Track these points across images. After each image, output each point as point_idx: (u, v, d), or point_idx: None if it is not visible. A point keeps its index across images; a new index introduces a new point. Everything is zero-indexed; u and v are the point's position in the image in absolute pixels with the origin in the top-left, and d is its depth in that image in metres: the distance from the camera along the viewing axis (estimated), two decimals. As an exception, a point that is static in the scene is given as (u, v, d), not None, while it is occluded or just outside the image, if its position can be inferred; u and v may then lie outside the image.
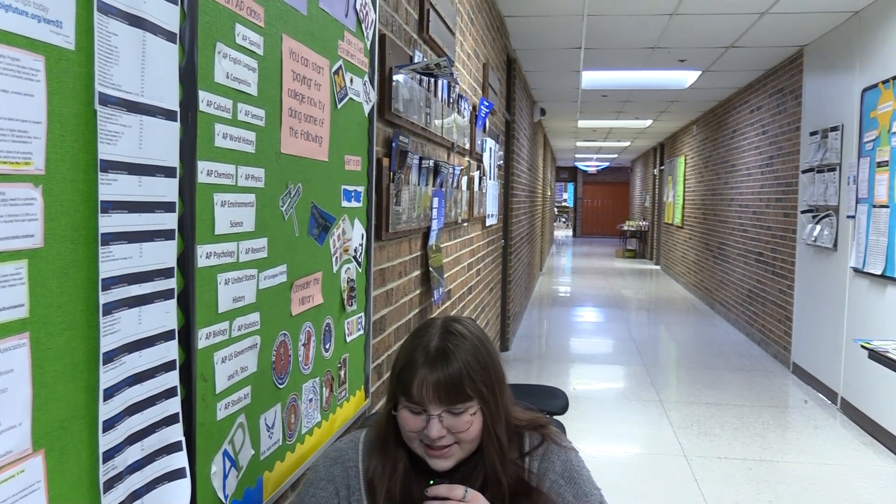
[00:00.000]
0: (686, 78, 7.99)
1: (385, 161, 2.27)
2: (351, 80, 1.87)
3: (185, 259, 1.12)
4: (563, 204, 28.92)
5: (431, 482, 1.27)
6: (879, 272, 4.64)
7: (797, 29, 5.81)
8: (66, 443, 0.87)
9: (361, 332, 2.06)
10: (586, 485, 1.33)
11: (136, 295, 0.99)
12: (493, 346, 1.34)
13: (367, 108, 2.03)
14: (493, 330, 6.13)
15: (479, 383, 1.26)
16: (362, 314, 2.06)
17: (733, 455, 4.34)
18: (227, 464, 1.29)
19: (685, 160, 12.67)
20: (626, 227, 19.79)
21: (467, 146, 3.92)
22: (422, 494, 1.29)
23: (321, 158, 1.68)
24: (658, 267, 15.96)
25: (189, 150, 1.12)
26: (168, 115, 1.04)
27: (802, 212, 6.23)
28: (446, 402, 1.23)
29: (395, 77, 2.30)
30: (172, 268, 1.07)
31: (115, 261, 0.94)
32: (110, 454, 0.94)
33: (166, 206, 1.05)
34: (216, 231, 1.22)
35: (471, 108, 4.05)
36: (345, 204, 1.87)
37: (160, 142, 1.02)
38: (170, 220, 1.06)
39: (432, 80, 2.86)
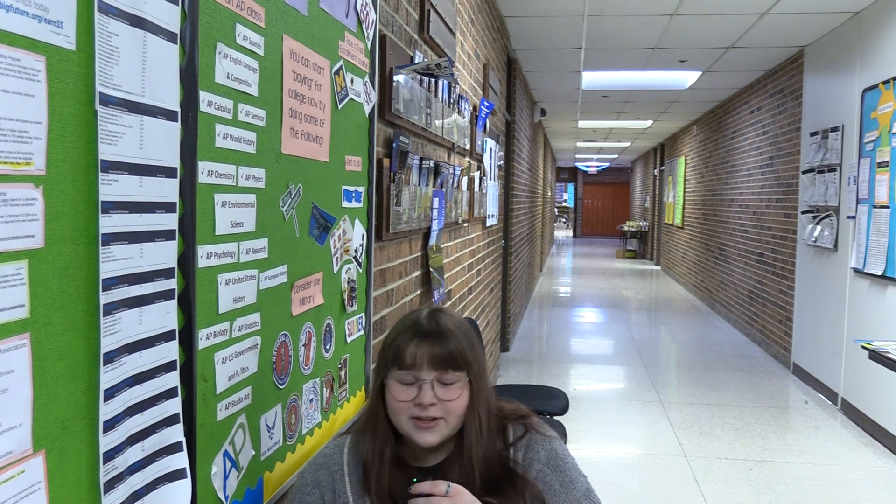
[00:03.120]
0: (686, 78, 7.99)
1: (385, 161, 2.27)
2: (351, 81, 1.87)
3: (186, 259, 1.12)
4: (564, 204, 28.92)
5: (415, 480, 1.28)
6: (880, 273, 4.64)
7: (797, 29, 5.81)
8: (66, 443, 0.87)
9: (362, 332, 2.06)
10: (572, 472, 1.34)
11: (136, 295, 0.98)
12: (475, 334, 1.40)
13: (367, 109, 2.03)
14: (494, 330, 6.12)
15: (468, 357, 1.31)
16: (363, 315, 2.06)
17: (734, 456, 4.34)
18: (228, 464, 1.29)
19: (685, 161, 12.67)
20: (626, 228, 19.79)
21: (468, 147, 3.92)
22: (403, 490, 1.29)
23: (322, 159, 1.68)
24: (658, 267, 15.96)
25: (190, 150, 1.12)
26: (169, 115, 1.04)
27: (803, 212, 6.23)
28: (439, 368, 1.28)
29: (395, 77, 2.30)
30: (173, 268, 1.07)
31: (115, 261, 0.94)
32: (111, 455, 0.94)
33: (167, 207, 1.05)
34: (217, 231, 1.21)
35: (471, 108, 4.05)
36: (345, 204, 1.87)
37: (161, 142, 1.02)
38: (170, 221, 1.06)
39: (433, 80, 2.86)
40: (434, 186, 2.99)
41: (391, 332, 1.36)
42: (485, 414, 1.32)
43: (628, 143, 16.47)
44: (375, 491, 1.31)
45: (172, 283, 1.07)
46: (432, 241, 3.04)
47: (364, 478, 1.33)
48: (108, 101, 0.91)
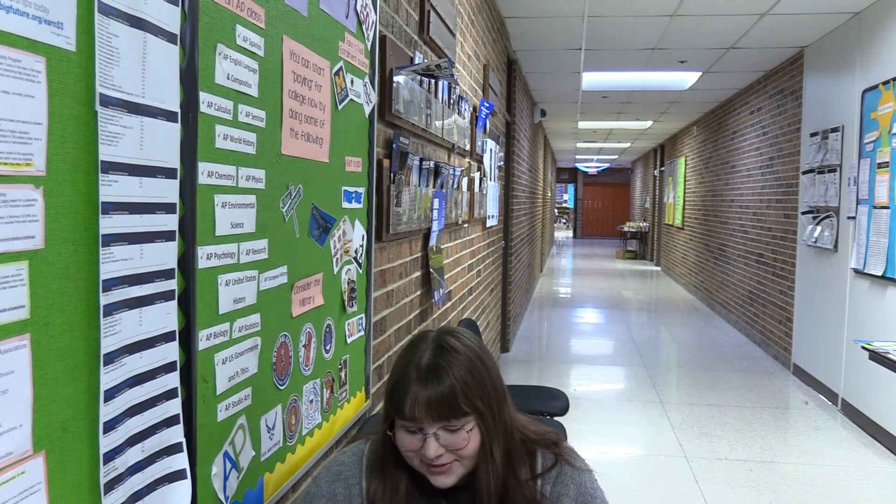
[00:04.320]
0: (686, 79, 7.99)
1: (385, 162, 2.27)
2: (351, 82, 1.87)
3: (186, 260, 1.12)
4: (564, 205, 28.92)
5: None
6: (880, 273, 4.64)
7: (798, 30, 5.81)
8: (66, 444, 0.87)
9: (362, 333, 2.06)
10: None
11: (136, 296, 0.99)
12: (490, 359, 1.30)
13: (367, 110, 2.03)
14: (494, 331, 6.12)
15: (474, 398, 1.21)
16: (363, 315, 2.06)
17: (734, 456, 4.34)
18: (228, 465, 1.29)
19: (685, 161, 12.67)
20: (626, 229, 19.79)
21: (468, 147, 3.92)
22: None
23: (322, 160, 1.68)
24: (658, 268, 15.96)
25: (190, 151, 1.12)
26: (169, 116, 1.04)
27: (803, 213, 6.23)
28: (441, 419, 1.20)
29: (395, 78, 2.30)
30: (173, 269, 1.07)
31: (115, 262, 0.94)
32: (111, 455, 0.94)
33: (167, 208, 1.05)
34: (217, 232, 1.21)
35: (471, 109, 4.05)
36: (345, 205, 1.87)
37: (161, 143, 1.02)
38: (170, 222, 1.06)
39: (433, 81, 2.86)
40: (434, 187, 2.99)
41: (397, 364, 1.27)
42: (500, 450, 1.25)
43: (628, 144, 16.47)
44: None
45: (172, 284, 1.07)
46: (432, 242, 3.04)
47: None
48: (108, 101, 0.91)
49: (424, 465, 1.23)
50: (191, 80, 1.11)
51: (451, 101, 3.32)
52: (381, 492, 1.27)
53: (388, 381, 1.28)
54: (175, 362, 1.08)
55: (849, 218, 5.22)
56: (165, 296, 1.05)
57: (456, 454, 1.22)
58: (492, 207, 5.37)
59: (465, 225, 4.13)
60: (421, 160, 2.71)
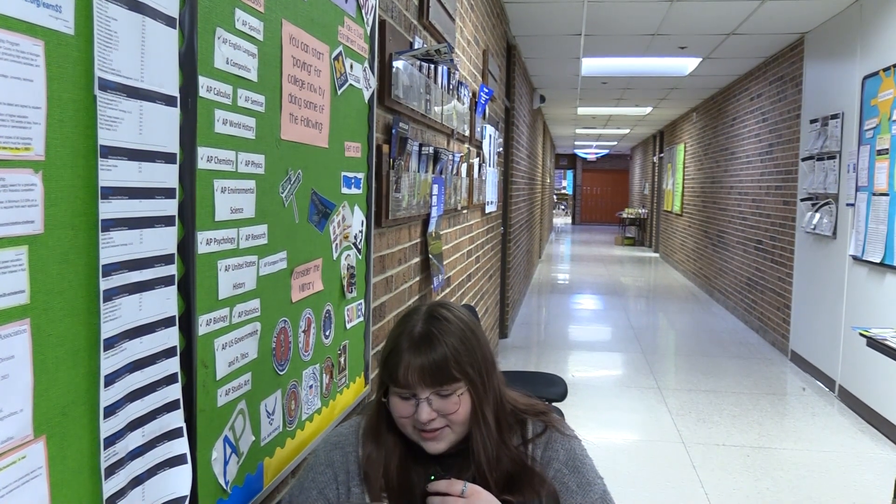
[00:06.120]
0: (686, 65, 7.96)
1: (385, 148, 2.26)
2: (351, 66, 1.87)
3: (186, 245, 1.12)
4: (563, 191, 28.90)
5: (433, 477, 1.27)
6: (878, 260, 4.64)
7: (798, 16, 5.78)
8: (67, 429, 0.87)
9: (361, 318, 2.06)
10: (590, 474, 1.33)
11: (136, 281, 0.98)
12: (480, 329, 1.35)
13: (367, 95, 2.02)
14: (492, 317, 6.13)
15: (464, 365, 1.27)
16: (362, 301, 2.06)
17: (731, 442, 4.36)
18: (228, 450, 1.29)
19: (685, 148, 12.65)
20: (625, 215, 19.79)
21: (467, 133, 3.91)
22: (420, 481, 1.29)
23: (321, 145, 1.68)
24: (657, 255, 15.97)
25: (189, 135, 1.12)
26: (168, 100, 1.03)
27: (802, 200, 6.23)
28: (433, 385, 1.25)
29: (395, 63, 2.29)
30: (173, 254, 1.07)
31: (115, 247, 0.93)
32: (111, 440, 0.94)
33: (166, 193, 1.04)
34: (216, 217, 1.21)
35: (470, 94, 4.03)
36: (345, 190, 1.86)
37: (160, 127, 1.02)
38: (170, 207, 1.06)
39: (432, 66, 2.84)
40: (433, 173, 2.99)
41: (391, 335, 1.32)
42: (492, 415, 1.30)
43: (627, 130, 16.43)
44: (382, 487, 1.30)
45: (172, 269, 1.07)
46: (431, 228, 3.04)
47: (365, 480, 1.31)
48: (107, 85, 0.90)
49: (417, 432, 1.28)
50: (190, 65, 1.11)
51: (451, 87, 3.30)
52: (374, 457, 1.32)
53: (382, 351, 1.33)
54: (175, 347, 1.08)
55: (848, 205, 5.22)
56: (165, 281, 1.05)
57: (447, 419, 1.27)
58: (491, 193, 5.37)
59: (464, 211, 4.12)
60: (420, 146, 2.70)
